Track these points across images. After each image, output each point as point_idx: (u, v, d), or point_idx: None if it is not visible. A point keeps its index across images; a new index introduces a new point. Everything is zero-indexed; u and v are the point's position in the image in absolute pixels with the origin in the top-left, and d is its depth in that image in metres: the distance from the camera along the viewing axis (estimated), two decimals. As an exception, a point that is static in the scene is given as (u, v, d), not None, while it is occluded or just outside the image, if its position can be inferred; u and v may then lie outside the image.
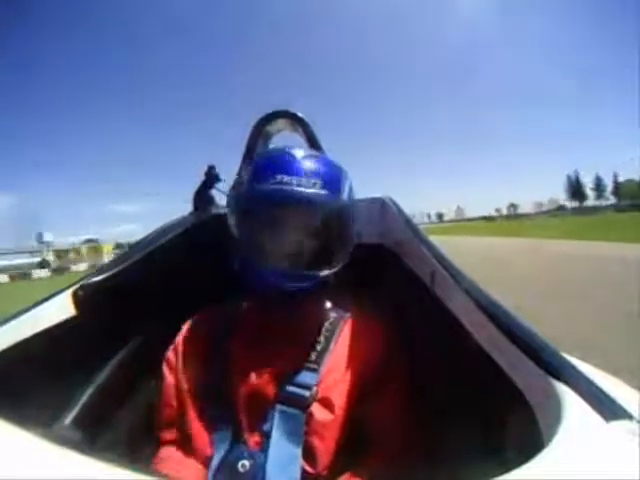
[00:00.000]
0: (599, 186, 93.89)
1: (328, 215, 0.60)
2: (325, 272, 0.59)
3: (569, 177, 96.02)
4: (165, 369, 0.66)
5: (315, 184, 0.58)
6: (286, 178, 0.57)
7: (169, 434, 0.62)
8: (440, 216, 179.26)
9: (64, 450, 0.24)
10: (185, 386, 0.62)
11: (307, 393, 0.55)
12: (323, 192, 0.58)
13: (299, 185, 0.57)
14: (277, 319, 0.63)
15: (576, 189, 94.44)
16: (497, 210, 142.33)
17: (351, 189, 0.65)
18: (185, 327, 0.69)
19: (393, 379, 0.62)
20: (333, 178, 0.61)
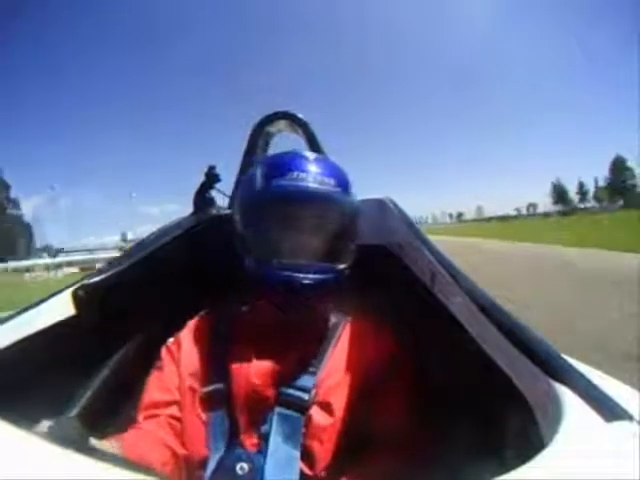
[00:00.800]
0: (581, 190, 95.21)
1: (342, 212, 0.63)
2: (340, 266, 0.62)
3: (553, 183, 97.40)
4: (166, 356, 0.65)
5: (329, 183, 0.61)
6: (302, 175, 0.60)
7: (156, 412, 0.59)
8: (459, 215, 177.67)
9: (64, 450, 0.24)
10: (184, 380, 0.61)
11: (306, 396, 0.55)
12: (338, 190, 0.62)
13: (315, 182, 0.60)
14: (283, 320, 0.62)
15: (560, 194, 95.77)
16: (517, 209, 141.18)
17: (353, 193, 0.67)
18: (188, 325, 0.69)
19: (393, 381, 0.61)
20: (344, 179, 0.65)
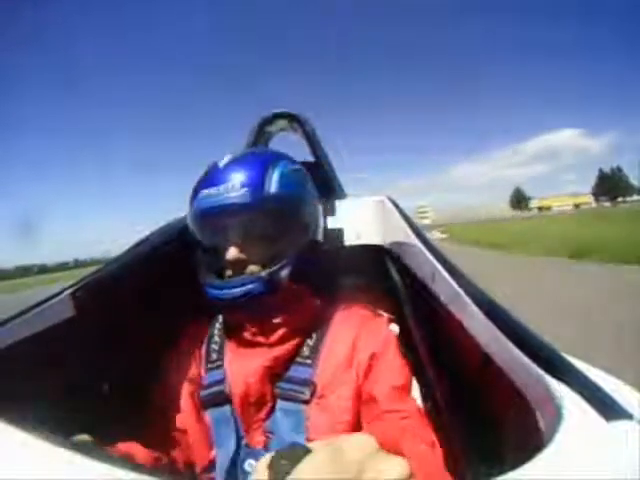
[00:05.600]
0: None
1: (249, 214, 0.59)
2: (264, 273, 0.58)
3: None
4: (166, 366, 0.67)
5: (234, 187, 0.57)
6: (205, 192, 0.59)
7: (162, 425, 0.61)
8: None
9: (63, 451, 0.24)
10: (185, 387, 0.63)
11: (305, 389, 0.56)
12: (244, 190, 0.57)
13: (218, 194, 0.58)
14: (256, 323, 0.62)
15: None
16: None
17: (285, 176, 0.62)
18: (185, 331, 0.71)
19: (390, 362, 0.61)
20: (252, 174, 0.59)
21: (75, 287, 0.66)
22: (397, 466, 0.28)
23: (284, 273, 0.60)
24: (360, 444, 0.29)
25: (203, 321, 0.72)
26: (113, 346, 0.76)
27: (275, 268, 0.59)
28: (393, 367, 0.60)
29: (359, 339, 0.62)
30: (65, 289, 0.67)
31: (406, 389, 0.59)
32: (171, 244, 0.86)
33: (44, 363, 0.59)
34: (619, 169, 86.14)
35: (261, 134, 1.10)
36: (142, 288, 0.79)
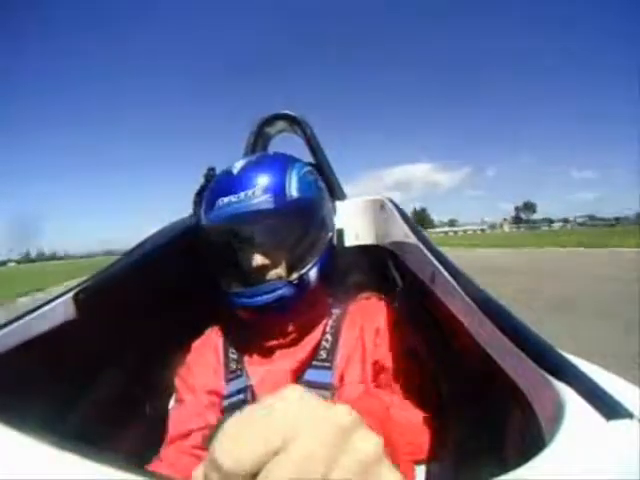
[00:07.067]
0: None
1: (273, 220, 0.59)
2: (294, 275, 0.59)
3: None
4: (180, 385, 0.66)
5: (254, 194, 0.57)
6: (225, 199, 0.58)
7: (181, 444, 0.59)
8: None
9: (62, 452, 0.24)
10: (203, 401, 0.61)
11: (327, 393, 0.56)
12: (266, 197, 0.57)
13: (238, 201, 0.57)
14: (275, 328, 0.63)
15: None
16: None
17: (302, 179, 0.62)
18: (194, 345, 0.70)
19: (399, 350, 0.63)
20: (272, 179, 0.59)
21: (78, 289, 0.66)
22: (343, 413, 0.21)
23: (312, 275, 0.61)
24: (292, 397, 0.22)
25: (214, 329, 0.71)
26: (115, 349, 0.76)
27: (304, 271, 0.59)
28: (394, 335, 0.63)
29: (365, 323, 0.64)
30: (67, 291, 0.67)
31: (407, 353, 0.62)
32: (174, 246, 0.86)
33: (47, 365, 0.59)
34: (424, 209, 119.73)
35: (260, 135, 1.10)
36: (144, 290, 0.79)
